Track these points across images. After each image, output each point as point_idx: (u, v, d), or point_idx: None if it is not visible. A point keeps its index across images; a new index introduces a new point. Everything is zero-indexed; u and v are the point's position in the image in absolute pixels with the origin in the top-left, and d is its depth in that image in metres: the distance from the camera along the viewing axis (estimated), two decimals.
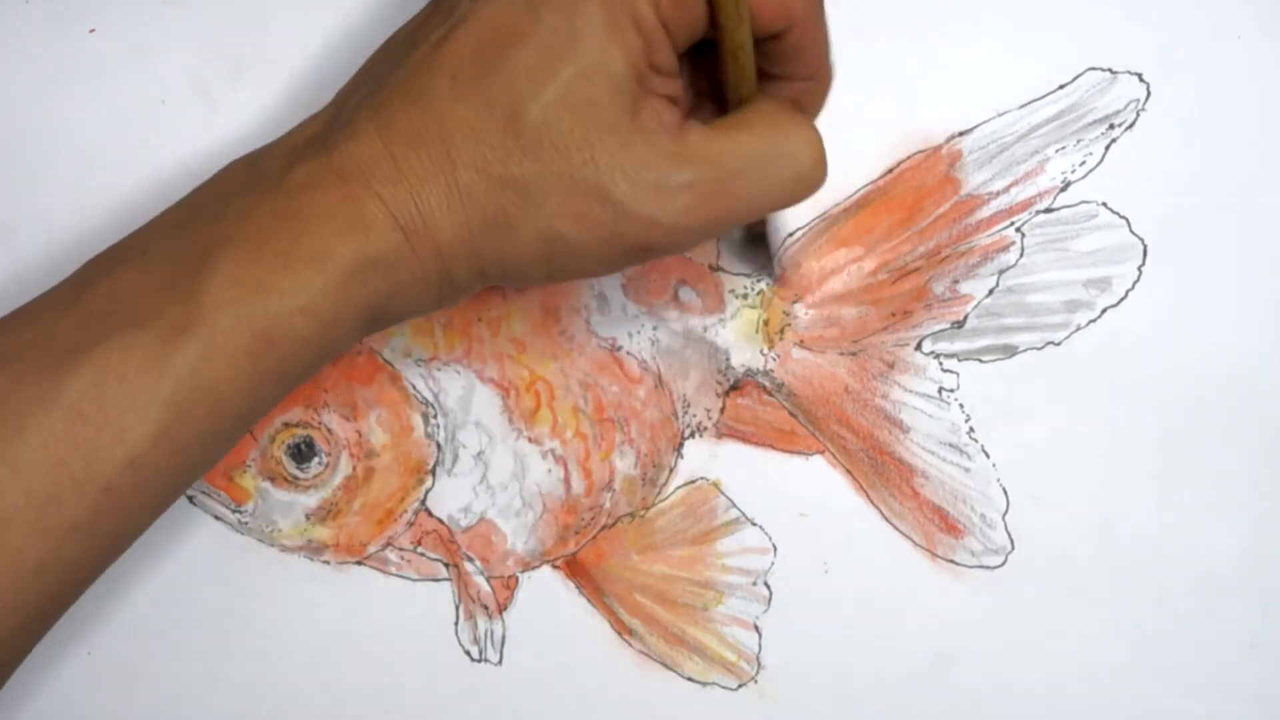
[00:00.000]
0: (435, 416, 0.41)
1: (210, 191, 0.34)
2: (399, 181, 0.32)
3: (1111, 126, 0.40)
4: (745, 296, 0.41)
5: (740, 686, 0.41)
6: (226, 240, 0.31)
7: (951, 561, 0.41)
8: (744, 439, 0.42)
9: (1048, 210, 0.41)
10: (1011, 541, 0.41)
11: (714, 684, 0.42)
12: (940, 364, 0.41)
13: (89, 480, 0.30)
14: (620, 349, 0.41)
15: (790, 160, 0.33)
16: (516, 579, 0.42)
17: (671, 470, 0.42)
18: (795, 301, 0.41)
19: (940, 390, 0.41)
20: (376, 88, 0.33)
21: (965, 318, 0.41)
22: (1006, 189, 0.41)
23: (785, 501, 0.41)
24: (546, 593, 0.42)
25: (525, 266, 0.33)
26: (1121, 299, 0.41)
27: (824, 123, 0.41)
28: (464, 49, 0.32)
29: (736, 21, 0.32)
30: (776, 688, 0.41)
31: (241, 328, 0.31)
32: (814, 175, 0.33)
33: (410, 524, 0.41)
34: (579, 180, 0.31)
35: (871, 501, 0.41)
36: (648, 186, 0.31)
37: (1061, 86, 0.40)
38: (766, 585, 0.41)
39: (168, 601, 0.42)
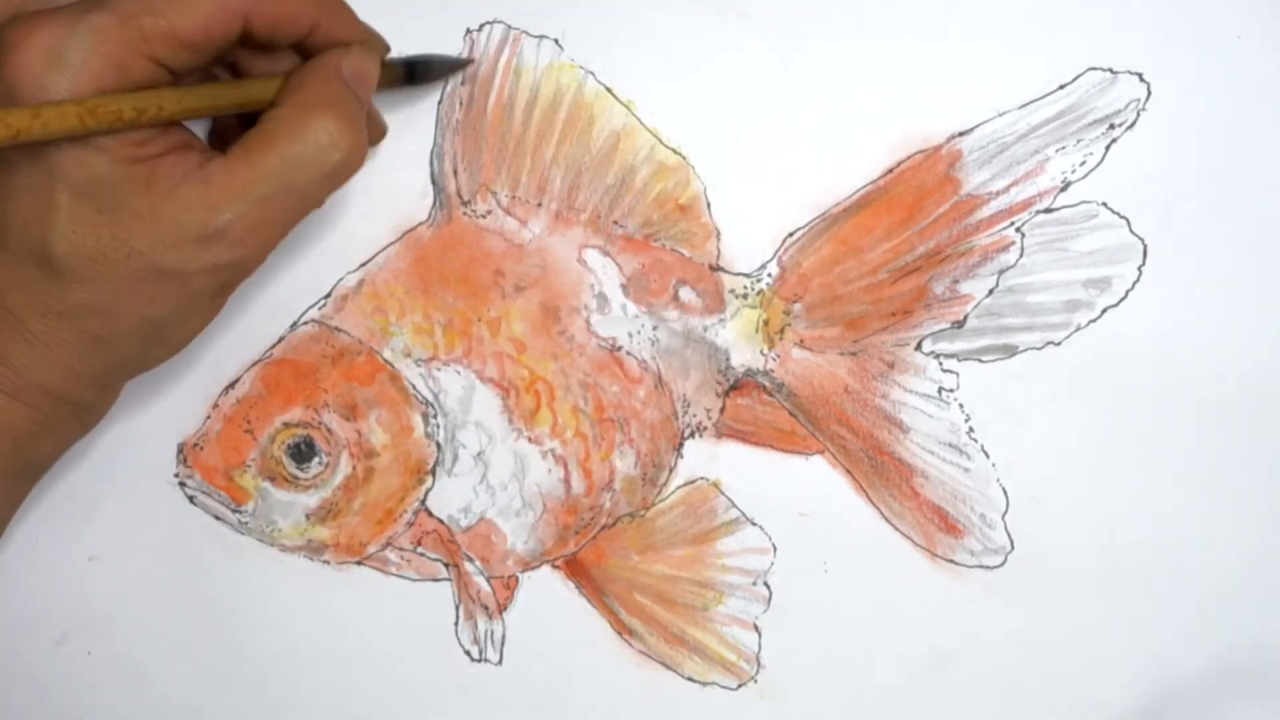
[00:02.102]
0: (435, 416, 0.41)
1: None
2: None
3: (1111, 126, 0.40)
4: (745, 296, 0.41)
5: (740, 686, 0.42)
6: None
7: (951, 561, 0.41)
8: (744, 439, 0.42)
9: (1048, 210, 0.41)
10: (1011, 541, 0.41)
11: (714, 684, 0.42)
12: (940, 364, 0.41)
13: None
14: (620, 349, 0.41)
15: (317, 163, 0.34)
16: (516, 579, 0.42)
17: (671, 470, 0.42)
18: (795, 301, 0.41)
19: (940, 390, 0.41)
20: None
21: (965, 318, 0.41)
22: (1006, 189, 0.41)
23: (785, 501, 0.41)
24: (546, 593, 0.42)
25: (139, 358, 0.36)
26: (1121, 299, 0.41)
27: (824, 123, 0.41)
28: None
29: (131, 122, 0.32)
30: (776, 688, 0.41)
31: None
32: (346, 164, 0.34)
33: (410, 524, 0.41)
34: (132, 274, 0.33)
35: (871, 501, 0.41)
36: (191, 244, 0.33)
37: (1061, 86, 0.40)
38: (766, 585, 0.41)
39: (168, 601, 0.42)
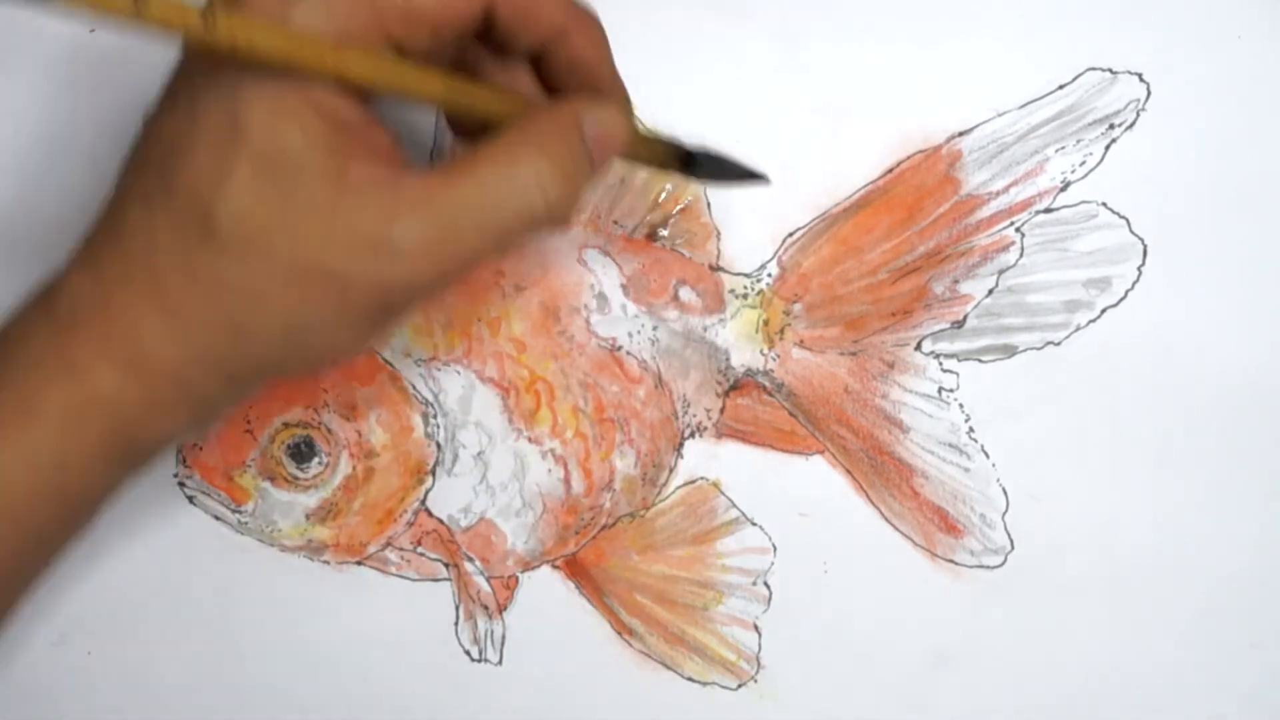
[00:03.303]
0: (435, 416, 0.41)
1: None
2: (111, 317, 0.31)
3: (1111, 126, 0.40)
4: (745, 296, 0.41)
5: (740, 686, 0.42)
6: None
7: (951, 561, 0.41)
8: (744, 439, 0.42)
9: (1048, 210, 0.41)
10: (1011, 541, 0.41)
11: (714, 684, 0.42)
12: (940, 364, 0.41)
13: None
14: (620, 349, 0.41)
15: (517, 206, 0.31)
16: (516, 579, 0.42)
17: (671, 470, 0.42)
18: (795, 301, 0.41)
19: (940, 390, 0.41)
20: (90, 228, 0.32)
21: (965, 318, 0.41)
22: (1006, 189, 0.41)
23: (785, 501, 0.41)
24: (546, 593, 0.42)
25: (273, 362, 0.32)
26: (1121, 299, 0.41)
27: (824, 122, 0.41)
28: (148, 170, 0.31)
29: (413, 84, 0.31)
30: (776, 688, 0.41)
31: None
32: (548, 215, 0.31)
33: (410, 524, 0.41)
34: (293, 264, 0.30)
35: (871, 501, 0.41)
36: (364, 250, 0.30)
37: (1061, 86, 0.40)
38: (766, 585, 0.41)
39: (168, 601, 0.42)
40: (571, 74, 0.34)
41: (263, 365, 0.32)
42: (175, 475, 0.41)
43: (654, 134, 0.37)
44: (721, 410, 0.42)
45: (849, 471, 0.41)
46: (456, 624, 0.42)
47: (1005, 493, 0.41)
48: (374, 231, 0.30)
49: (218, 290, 0.30)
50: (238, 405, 0.34)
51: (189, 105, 0.30)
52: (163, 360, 0.31)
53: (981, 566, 0.41)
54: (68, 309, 0.31)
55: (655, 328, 0.41)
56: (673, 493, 0.42)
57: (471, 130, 0.34)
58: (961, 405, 0.41)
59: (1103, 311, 0.41)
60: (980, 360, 0.41)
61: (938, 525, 0.41)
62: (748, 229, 0.41)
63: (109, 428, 0.31)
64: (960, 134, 0.41)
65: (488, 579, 0.42)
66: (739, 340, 0.41)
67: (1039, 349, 0.41)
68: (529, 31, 0.32)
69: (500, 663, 0.42)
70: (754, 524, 0.41)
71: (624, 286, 0.41)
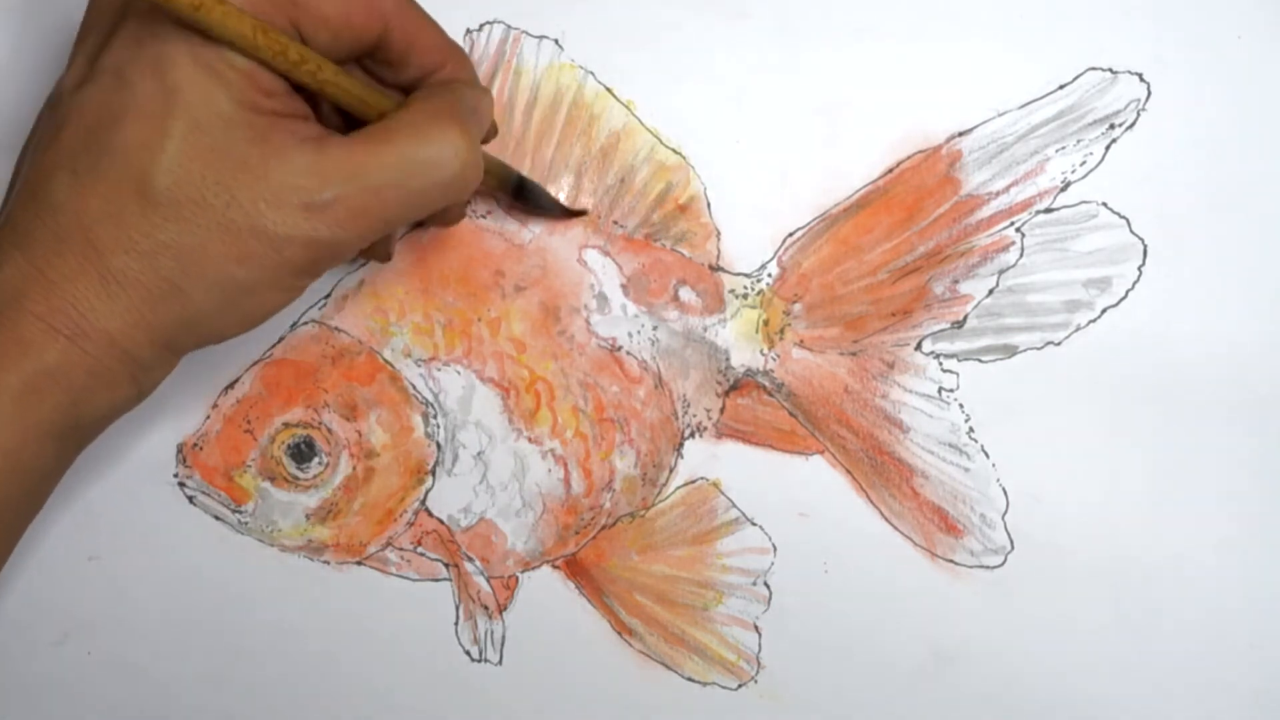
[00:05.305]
0: (435, 416, 0.41)
1: None
2: (50, 291, 0.31)
3: (1111, 126, 0.40)
4: (745, 296, 0.41)
5: (740, 686, 0.42)
6: None
7: (951, 561, 0.41)
8: (744, 439, 0.42)
9: (1048, 210, 0.41)
10: (1011, 541, 0.41)
11: (714, 684, 0.42)
12: (940, 364, 0.41)
13: None
14: (620, 349, 0.41)
15: (435, 168, 0.33)
16: (516, 579, 0.42)
17: (671, 470, 0.42)
18: (795, 301, 0.41)
19: (940, 390, 0.41)
20: (9, 207, 0.33)
21: (965, 318, 0.41)
22: (1006, 189, 0.41)
23: (785, 501, 0.41)
24: (546, 593, 0.42)
25: (211, 323, 0.33)
26: (1121, 299, 0.41)
27: (824, 122, 0.41)
28: (75, 142, 0.32)
29: (292, 65, 0.32)
30: (776, 688, 0.41)
31: None
32: (463, 180, 0.33)
33: (410, 524, 0.41)
34: (228, 224, 0.31)
35: (871, 501, 0.41)
36: (295, 209, 0.32)
37: (1061, 86, 0.40)
38: (766, 585, 0.41)
39: (168, 601, 0.42)
40: (412, 56, 0.35)
41: (201, 329, 0.33)
42: (175, 475, 0.41)
43: (496, 158, 0.39)
44: (721, 410, 0.42)
45: (849, 471, 0.41)
46: (456, 624, 0.42)
47: (1005, 493, 0.41)
48: (304, 191, 0.32)
49: (155, 254, 0.31)
50: (168, 374, 0.35)
51: (116, 75, 0.32)
52: (105, 330, 0.32)
53: (981, 566, 0.41)
54: (9, 289, 0.32)
55: (655, 328, 0.41)
56: (673, 493, 0.42)
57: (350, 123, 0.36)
58: (961, 405, 0.41)
59: (1103, 311, 0.41)
60: (980, 360, 0.41)
61: (938, 525, 0.41)
62: (748, 229, 0.41)
63: (61, 402, 0.32)
64: (960, 134, 0.41)
65: (488, 579, 0.42)
66: (739, 340, 0.41)
67: (1039, 349, 0.41)
68: (416, 58, 0.35)
69: (500, 663, 0.42)
70: (754, 524, 0.41)
71: (624, 286, 0.41)
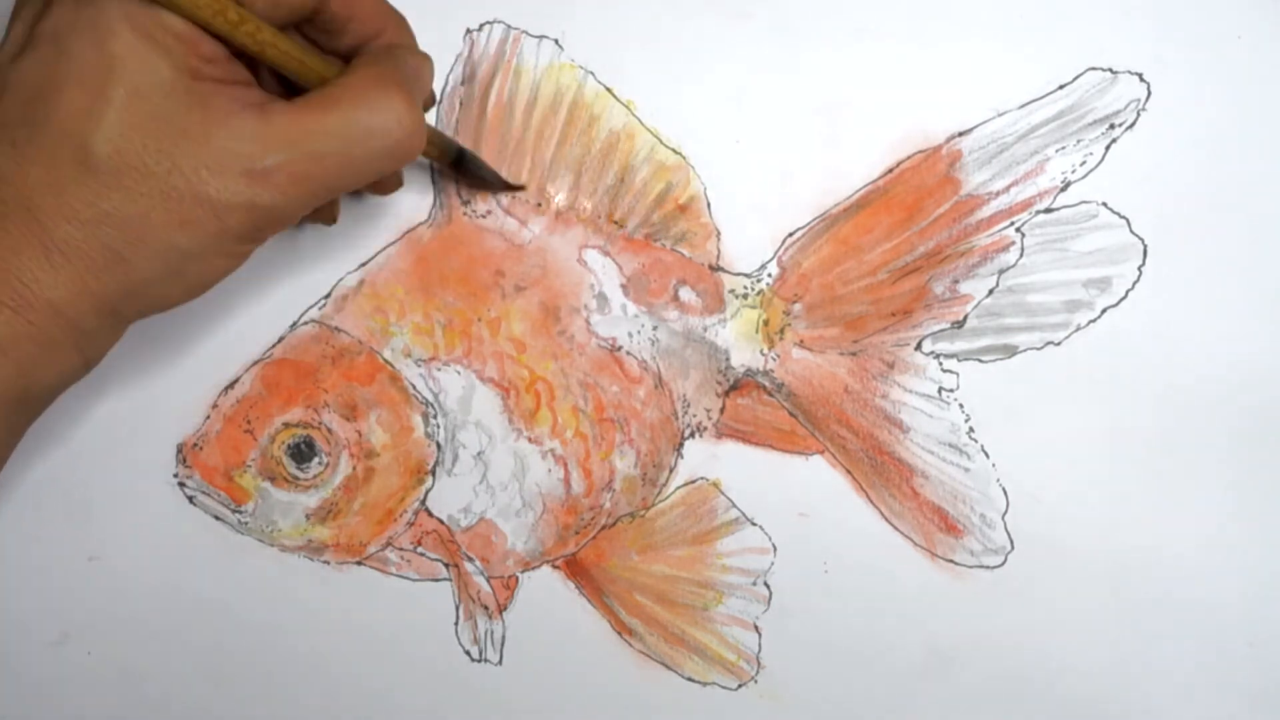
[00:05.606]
0: (435, 416, 0.41)
1: None
2: None
3: (1111, 126, 0.40)
4: (745, 296, 0.41)
5: (740, 686, 0.42)
6: None
7: (951, 561, 0.41)
8: (744, 439, 0.42)
9: (1048, 210, 0.41)
10: (1011, 541, 0.41)
11: (714, 684, 0.42)
12: (940, 364, 0.41)
13: None
14: (620, 349, 0.41)
15: (378, 135, 0.33)
16: (516, 579, 0.42)
17: (671, 470, 0.42)
18: (795, 301, 0.41)
19: (940, 390, 0.41)
20: None
21: (965, 318, 0.41)
22: (1006, 189, 0.41)
23: (785, 501, 0.41)
24: (546, 593, 0.42)
25: (156, 291, 0.33)
26: (1121, 299, 0.41)
27: (824, 122, 0.41)
28: (14, 113, 0.32)
29: (231, 26, 0.32)
30: (776, 688, 0.41)
31: None
32: (406, 146, 0.33)
33: (410, 524, 0.41)
34: (170, 191, 0.32)
35: (871, 501, 0.41)
36: (237, 175, 0.32)
37: (1061, 86, 0.40)
38: (766, 585, 0.41)
39: (167, 601, 0.42)
40: (353, 21, 0.36)
41: (146, 297, 0.33)
42: (175, 475, 0.41)
43: (435, 129, 0.39)
44: (721, 410, 0.42)
45: (849, 471, 0.41)
46: (456, 624, 0.42)
47: (1005, 493, 0.41)
48: (246, 157, 0.32)
49: (98, 223, 0.32)
50: (113, 344, 0.35)
51: (54, 43, 0.31)
52: (49, 300, 0.32)
53: (981, 566, 0.41)
54: None
55: (655, 328, 0.41)
56: (673, 493, 0.42)
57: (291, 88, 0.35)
58: (961, 405, 0.41)
59: (1103, 311, 0.41)
60: (980, 360, 0.41)
61: (938, 525, 0.41)
62: (748, 229, 0.41)
63: (7, 374, 0.32)
64: (960, 134, 0.41)
65: (488, 579, 0.42)
66: (739, 340, 0.41)
67: (1039, 349, 0.41)
68: (355, 26, 0.35)
69: (500, 663, 0.42)
70: (754, 524, 0.41)
71: (624, 286, 0.41)
